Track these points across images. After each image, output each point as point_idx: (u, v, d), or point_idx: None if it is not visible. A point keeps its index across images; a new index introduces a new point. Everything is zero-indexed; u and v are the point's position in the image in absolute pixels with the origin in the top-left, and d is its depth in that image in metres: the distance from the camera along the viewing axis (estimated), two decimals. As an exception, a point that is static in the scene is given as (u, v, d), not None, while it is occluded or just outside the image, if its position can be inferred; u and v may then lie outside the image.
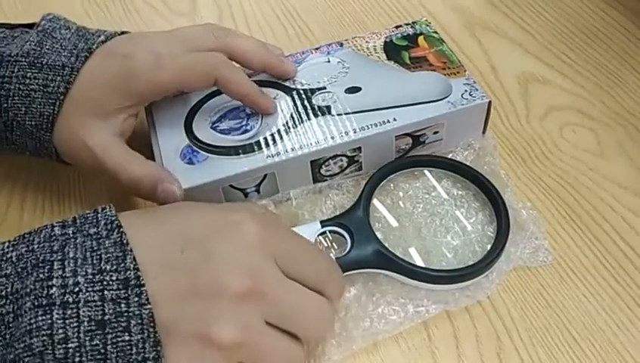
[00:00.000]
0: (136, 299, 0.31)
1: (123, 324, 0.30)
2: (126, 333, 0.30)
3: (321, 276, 0.36)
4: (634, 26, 0.60)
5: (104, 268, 0.31)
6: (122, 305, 0.30)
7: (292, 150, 0.44)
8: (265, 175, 0.45)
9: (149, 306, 0.31)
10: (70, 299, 0.30)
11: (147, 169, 0.43)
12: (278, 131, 0.46)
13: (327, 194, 0.47)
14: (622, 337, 0.40)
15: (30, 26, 0.45)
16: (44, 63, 0.42)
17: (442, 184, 0.47)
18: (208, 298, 0.32)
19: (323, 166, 0.46)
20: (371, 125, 0.45)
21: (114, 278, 0.31)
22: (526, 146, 0.51)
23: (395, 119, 0.45)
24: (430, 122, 0.46)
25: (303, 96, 0.48)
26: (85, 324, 0.30)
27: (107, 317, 0.30)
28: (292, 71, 0.49)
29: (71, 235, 0.32)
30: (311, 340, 0.37)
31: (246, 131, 0.46)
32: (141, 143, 0.46)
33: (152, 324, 0.31)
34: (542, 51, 0.59)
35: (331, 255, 0.42)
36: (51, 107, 0.42)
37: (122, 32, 0.46)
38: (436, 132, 0.47)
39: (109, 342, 0.30)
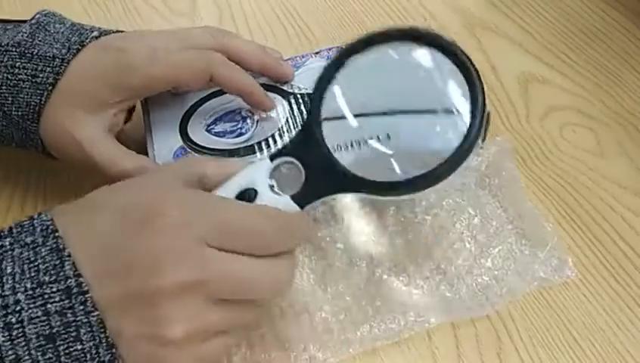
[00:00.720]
0: (81, 307, 0.30)
1: (73, 334, 0.30)
2: (78, 343, 0.30)
3: (266, 240, 0.34)
4: (634, 26, 0.60)
5: (42, 280, 0.30)
6: (69, 316, 0.30)
7: None
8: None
9: (96, 312, 0.30)
10: (14, 320, 0.29)
11: (137, 163, 0.42)
12: (273, 135, 0.45)
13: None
14: (623, 337, 0.40)
15: (25, 22, 0.45)
16: (34, 53, 0.41)
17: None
18: (148, 298, 0.31)
19: None
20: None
21: (55, 289, 0.30)
22: (526, 146, 0.51)
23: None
24: None
25: (300, 101, 0.47)
26: (34, 340, 0.29)
27: (55, 330, 0.30)
28: (290, 74, 0.48)
29: (8, 247, 0.31)
30: (269, 301, 0.37)
31: (241, 134, 0.46)
32: (139, 142, 0.46)
33: (102, 330, 0.30)
34: (542, 51, 0.59)
35: (285, 196, 0.36)
36: (39, 97, 0.41)
37: (118, 31, 0.45)
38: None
39: (62, 353, 0.30)
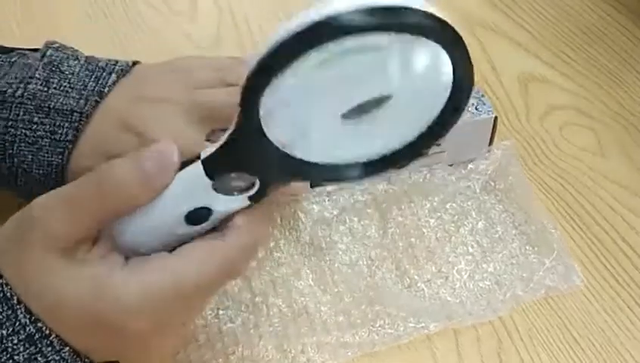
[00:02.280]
0: (49, 348, 0.29)
1: None
2: None
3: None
4: (634, 26, 0.60)
5: (1, 334, 0.29)
6: (40, 359, 0.29)
7: None
8: None
9: (66, 348, 0.30)
10: None
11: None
12: None
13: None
14: (623, 337, 0.40)
15: (30, 50, 0.43)
16: (51, 107, 0.39)
17: None
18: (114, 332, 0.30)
19: None
20: None
21: (15, 341, 0.29)
22: (526, 145, 0.51)
23: None
24: None
25: None
26: None
27: None
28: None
29: None
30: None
31: None
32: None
33: (77, 358, 0.30)
34: (542, 50, 0.59)
35: (241, 197, 0.31)
36: (59, 156, 0.39)
37: (134, 63, 0.43)
38: (438, 144, 0.46)
39: None
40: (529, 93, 0.55)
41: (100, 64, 0.42)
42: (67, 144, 0.39)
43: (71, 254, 0.30)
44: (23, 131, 0.39)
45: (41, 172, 0.40)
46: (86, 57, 0.42)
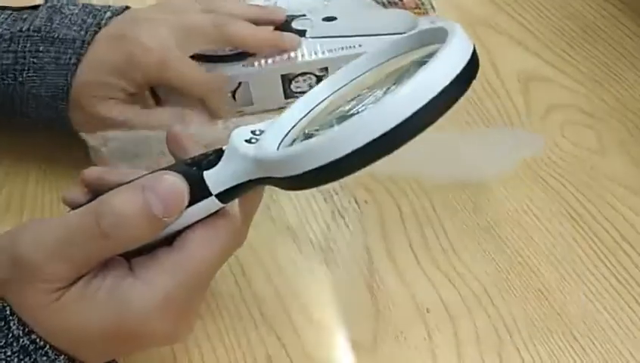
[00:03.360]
0: (44, 358, 0.29)
1: None
2: None
3: None
4: (634, 24, 0.60)
5: None
6: None
7: (265, 63, 0.50)
8: (240, 83, 0.50)
9: (62, 357, 0.30)
10: None
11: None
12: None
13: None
14: (623, 336, 0.40)
15: (36, 7, 0.47)
16: (55, 37, 0.44)
17: None
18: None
19: (293, 82, 0.51)
20: (339, 48, 0.51)
21: (9, 353, 0.29)
22: (526, 144, 0.51)
23: (360, 45, 0.51)
24: None
25: (284, 21, 0.52)
26: None
27: None
28: (294, 45, 0.51)
29: None
30: None
31: None
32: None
33: None
34: (543, 48, 0.58)
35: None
36: (64, 79, 0.44)
37: (127, 7, 0.48)
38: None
39: None
40: (530, 91, 0.55)
41: (96, 7, 0.48)
42: (71, 67, 0.44)
43: (76, 284, 0.30)
44: (31, 59, 0.44)
45: (49, 93, 0.44)
46: (83, 3, 0.48)
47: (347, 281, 0.43)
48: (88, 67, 0.44)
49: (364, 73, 0.34)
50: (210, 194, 0.30)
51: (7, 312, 0.29)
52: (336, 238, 0.46)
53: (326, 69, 0.51)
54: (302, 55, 0.50)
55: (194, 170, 0.31)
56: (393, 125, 0.25)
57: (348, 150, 0.25)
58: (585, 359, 0.39)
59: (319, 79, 0.51)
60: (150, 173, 0.32)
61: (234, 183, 0.30)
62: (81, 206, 0.31)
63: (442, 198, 0.47)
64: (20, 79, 0.44)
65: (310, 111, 0.34)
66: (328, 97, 0.34)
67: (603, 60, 0.57)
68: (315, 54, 0.50)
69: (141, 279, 0.30)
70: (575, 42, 0.59)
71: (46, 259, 0.29)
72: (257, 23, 0.50)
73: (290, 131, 0.32)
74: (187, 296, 0.31)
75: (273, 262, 0.44)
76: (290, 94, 0.52)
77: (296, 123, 0.33)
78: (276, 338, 0.41)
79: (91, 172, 0.35)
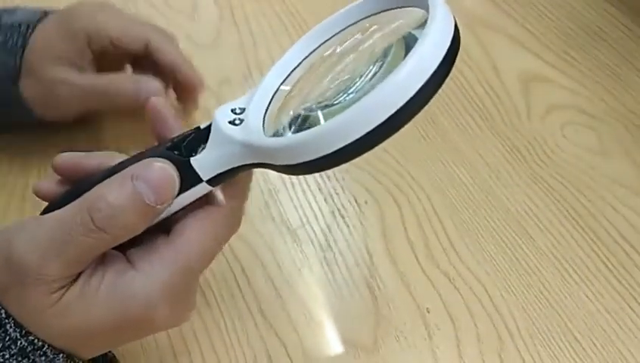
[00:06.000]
0: (43, 358, 0.29)
1: None
2: None
3: None
4: (635, 25, 0.60)
5: None
6: None
7: None
8: None
9: (60, 355, 0.30)
10: None
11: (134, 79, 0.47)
12: None
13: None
14: (624, 337, 0.40)
15: None
16: (1, 24, 0.46)
17: None
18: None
19: None
20: None
21: (7, 356, 0.29)
22: (527, 145, 0.51)
23: None
24: None
25: None
26: None
27: None
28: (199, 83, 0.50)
29: None
30: None
31: None
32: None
33: (73, 361, 0.30)
34: (543, 49, 0.58)
35: None
36: (13, 58, 0.45)
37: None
38: None
39: None
40: (531, 92, 0.55)
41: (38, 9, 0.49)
42: (18, 49, 0.45)
43: (75, 283, 0.30)
44: None
45: (2, 74, 0.46)
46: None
47: (347, 281, 0.43)
48: (34, 48, 0.45)
49: (337, 34, 0.33)
50: (200, 181, 0.30)
51: (3, 315, 0.29)
52: (336, 238, 0.46)
53: None
54: None
55: (181, 156, 0.30)
56: (393, 110, 0.25)
57: (349, 140, 0.25)
58: (585, 359, 0.39)
59: None
60: (133, 157, 0.32)
61: (225, 168, 0.30)
62: (60, 197, 0.31)
63: (442, 198, 0.48)
64: None
65: (288, 76, 0.32)
66: (304, 59, 0.33)
67: (603, 60, 0.57)
68: None
69: (143, 272, 0.30)
70: (576, 43, 0.59)
71: (42, 259, 0.28)
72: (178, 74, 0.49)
73: (271, 100, 0.31)
74: (187, 283, 0.32)
75: (273, 261, 0.44)
76: None
77: (277, 90, 0.32)
78: (276, 337, 0.41)
79: (65, 158, 0.34)
